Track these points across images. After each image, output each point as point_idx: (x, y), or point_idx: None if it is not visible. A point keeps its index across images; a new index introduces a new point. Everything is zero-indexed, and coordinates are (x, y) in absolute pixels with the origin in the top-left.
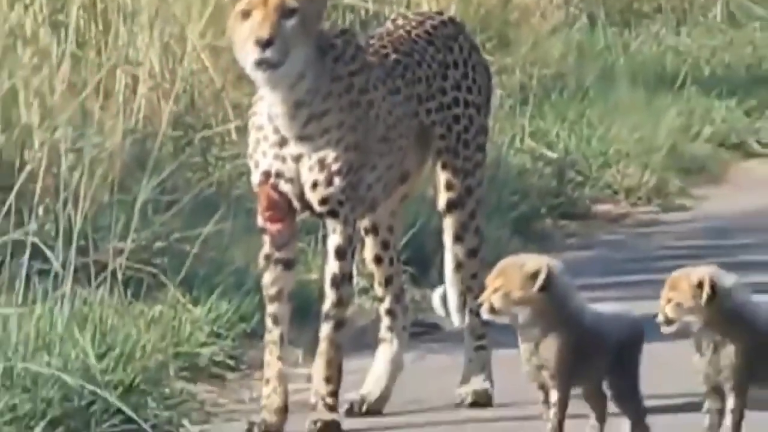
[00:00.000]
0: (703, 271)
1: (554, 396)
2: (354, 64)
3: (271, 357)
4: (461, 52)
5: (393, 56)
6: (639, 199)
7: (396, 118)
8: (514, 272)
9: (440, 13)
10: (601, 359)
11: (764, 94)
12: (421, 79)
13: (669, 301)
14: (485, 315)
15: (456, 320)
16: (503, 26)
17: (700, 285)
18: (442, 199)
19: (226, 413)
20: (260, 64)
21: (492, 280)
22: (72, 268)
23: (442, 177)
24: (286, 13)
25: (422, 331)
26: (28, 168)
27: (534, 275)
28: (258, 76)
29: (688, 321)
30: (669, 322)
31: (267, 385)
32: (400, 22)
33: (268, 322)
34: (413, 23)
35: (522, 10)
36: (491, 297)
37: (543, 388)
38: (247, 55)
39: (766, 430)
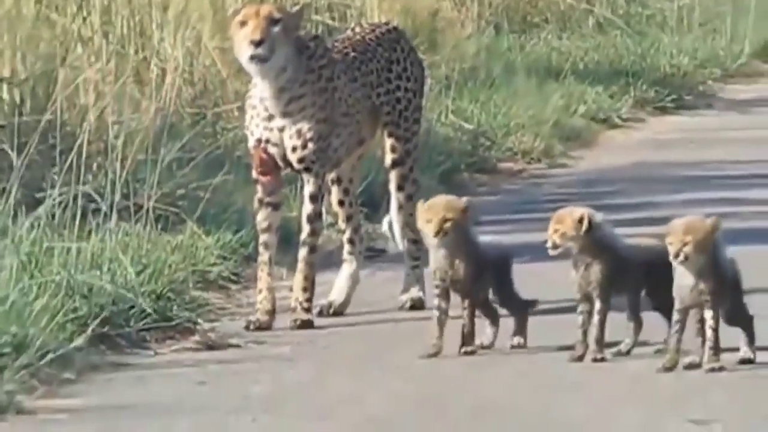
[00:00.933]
0: (582, 210)
1: (466, 302)
2: (323, 60)
3: (262, 273)
4: (402, 51)
5: (352, 54)
6: (532, 159)
7: (354, 99)
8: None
9: (387, 23)
10: (488, 274)
11: (623, 83)
12: (372, 71)
13: (556, 231)
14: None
15: (399, 246)
16: (432, 33)
17: (580, 220)
18: (388, 158)
19: (229, 314)
20: (253, 58)
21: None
22: (116, 208)
23: (388, 142)
24: (272, 21)
25: (373, 254)
26: (85, 136)
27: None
28: (252, 68)
29: (569, 246)
30: (555, 247)
31: (260, 294)
32: (357, 29)
33: (260, 248)
34: (366, 30)
35: (446, 21)
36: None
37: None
38: (244, 52)
39: (622, 326)
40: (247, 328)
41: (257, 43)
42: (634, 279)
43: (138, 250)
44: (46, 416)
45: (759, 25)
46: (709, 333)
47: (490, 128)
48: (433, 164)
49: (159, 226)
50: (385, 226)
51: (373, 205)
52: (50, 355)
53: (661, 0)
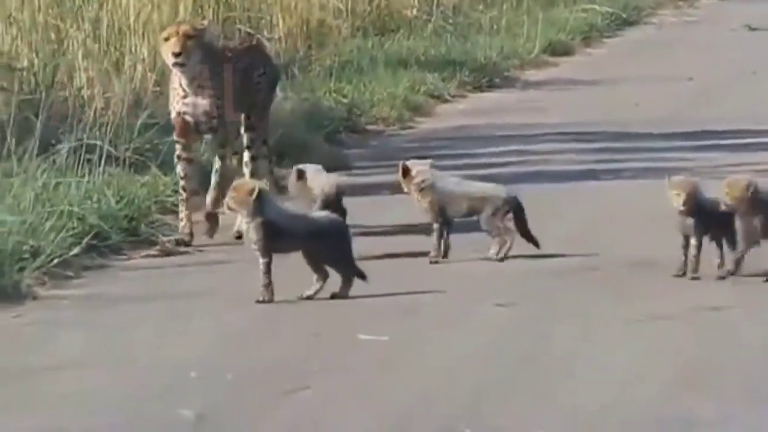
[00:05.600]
0: (253, 183)
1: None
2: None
3: (182, 207)
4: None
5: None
6: (388, 124)
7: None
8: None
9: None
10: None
11: (451, 70)
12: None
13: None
14: None
15: None
16: (320, 36)
17: (250, 192)
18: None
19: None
20: (175, 65)
21: None
22: (104, 157)
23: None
24: (187, 38)
25: None
26: (92, 107)
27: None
28: (175, 70)
29: (241, 211)
30: (230, 209)
31: (181, 222)
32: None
33: (180, 189)
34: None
35: (330, 27)
36: None
37: None
38: (168, 60)
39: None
40: (175, 243)
41: (177, 54)
42: (296, 240)
43: (117, 186)
44: (54, 302)
45: (545, 30)
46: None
47: (360, 102)
48: (320, 127)
49: (132, 170)
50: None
51: None
52: (56, 260)
53: (478, 12)
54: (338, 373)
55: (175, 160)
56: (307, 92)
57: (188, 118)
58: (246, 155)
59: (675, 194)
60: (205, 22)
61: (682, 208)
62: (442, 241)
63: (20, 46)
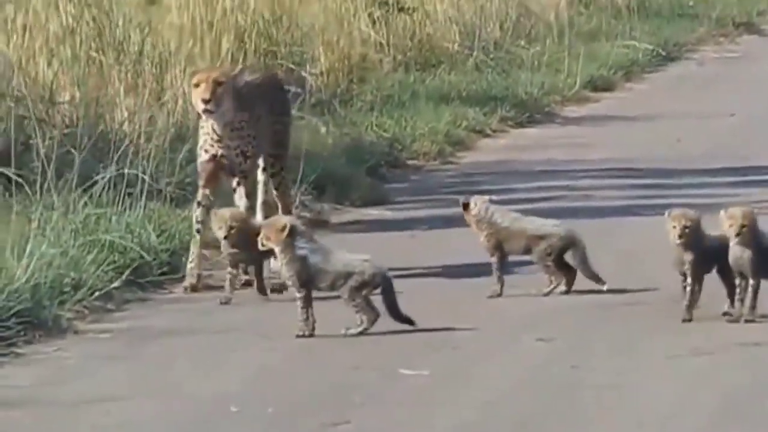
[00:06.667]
0: (286, 219)
1: None
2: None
3: (195, 249)
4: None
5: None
6: (430, 158)
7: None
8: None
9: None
10: None
11: (492, 105)
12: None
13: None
14: None
15: None
16: (362, 70)
17: (283, 228)
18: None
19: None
20: (204, 111)
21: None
22: (145, 192)
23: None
24: (217, 85)
25: None
26: (129, 140)
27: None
28: (205, 116)
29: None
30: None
31: (190, 264)
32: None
33: (195, 233)
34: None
35: (372, 62)
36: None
37: None
38: (198, 106)
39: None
40: (184, 290)
41: (207, 101)
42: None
43: (158, 220)
44: (95, 335)
45: (586, 65)
46: None
47: (402, 136)
48: (362, 161)
49: (173, 204)
50: None
51: None
52: (97, 293)
53: (519, 48)
54: (379, 407)
55: (195, 206)
56: (348, 127)
57: (223, 161)
58: (275, 194)
59: (672, 227)
60: (239, 68)
61: (678, 241)
62: (498, 276)
63: (62, 80)
